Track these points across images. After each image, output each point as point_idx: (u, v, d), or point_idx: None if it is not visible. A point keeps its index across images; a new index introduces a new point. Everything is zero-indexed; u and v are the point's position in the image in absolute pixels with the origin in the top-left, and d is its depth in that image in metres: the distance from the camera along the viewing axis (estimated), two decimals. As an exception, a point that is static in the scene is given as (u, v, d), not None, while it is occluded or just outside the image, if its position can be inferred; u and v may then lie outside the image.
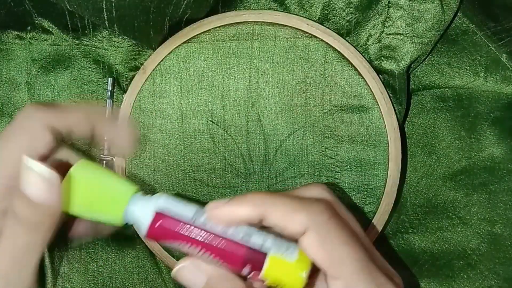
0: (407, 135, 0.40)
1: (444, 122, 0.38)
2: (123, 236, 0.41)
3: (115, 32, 0.38)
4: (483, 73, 0.36)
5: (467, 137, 0.37)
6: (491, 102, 0.37)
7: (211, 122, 0.38)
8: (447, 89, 0.38)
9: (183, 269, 0.26)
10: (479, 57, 0.37)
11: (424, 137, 0.39)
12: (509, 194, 0.35)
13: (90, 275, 0.39)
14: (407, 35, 0.37)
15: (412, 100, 0.40)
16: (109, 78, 0.40)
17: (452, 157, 0.38)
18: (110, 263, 0.40)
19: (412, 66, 0.39)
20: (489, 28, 0.37)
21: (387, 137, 0.37)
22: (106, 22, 0.34)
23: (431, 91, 0.39)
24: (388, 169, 0.37)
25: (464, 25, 0.38)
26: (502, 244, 0.35)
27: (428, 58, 0.39)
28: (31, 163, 0.26)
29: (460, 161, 0.37)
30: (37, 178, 0.25)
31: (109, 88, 0.40)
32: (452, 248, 0.37)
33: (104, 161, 0.40)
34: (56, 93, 0.40)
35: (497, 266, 0.35)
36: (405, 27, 0.37)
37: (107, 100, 0.40)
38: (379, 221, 0.37)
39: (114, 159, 0.39)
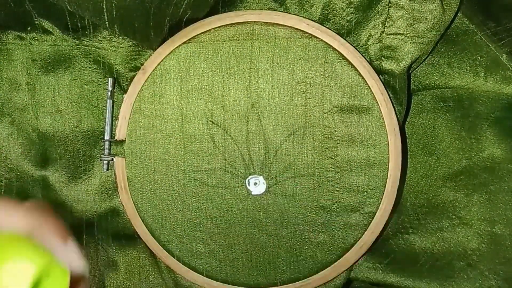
0: (407, 136, 0.40)
1: (444, 122, 0.38)
2: (124, 236, 0.41)
3: (116, 33, 0.38)
4: (483, 73, 0.36)
5: (467, 138, 0.37)
6: (491, 102, 0.37)
7: (211, 122, 0.39)
8: (447, 89, 0.38)
9: None
10: (479, 57, 0.37)
11: (424, 138, 0.39)
12: (509, 194, 0.35)
13: (91, 275, 0.39)
14: (408, 35, 0.37)
15: (412, 100, 0.40)
16: (109, 78, 0.40)
17: (452, 157, 0.38)
18: (110, 262, 0.40)
19: (412, 66, 0.39)
20: (489, 28, 0.37)
21: (387, 137, 0.37)
22: (107, 22, 0.34)
23: (431, 91, 0.39)
24: (388, 169, 0.37)
25: (464, 25, 0.38)
26: (502, 244, 0.35)
27: (428, 58, 0.39)
28: None
29: (460, 161, 0.37)
30: None
31: (109, 88, 0.40)
32: (452, 248, 0.37)
33: (105, 161, 0.40)
34: (57, 93, 0.40)
35: (497, 266, 0.35)
36: (406, 27, 0.37)
37: (107, 100, 0.40)
38: (379, 222, 0.37)
39: (114, 159, 0.39)
